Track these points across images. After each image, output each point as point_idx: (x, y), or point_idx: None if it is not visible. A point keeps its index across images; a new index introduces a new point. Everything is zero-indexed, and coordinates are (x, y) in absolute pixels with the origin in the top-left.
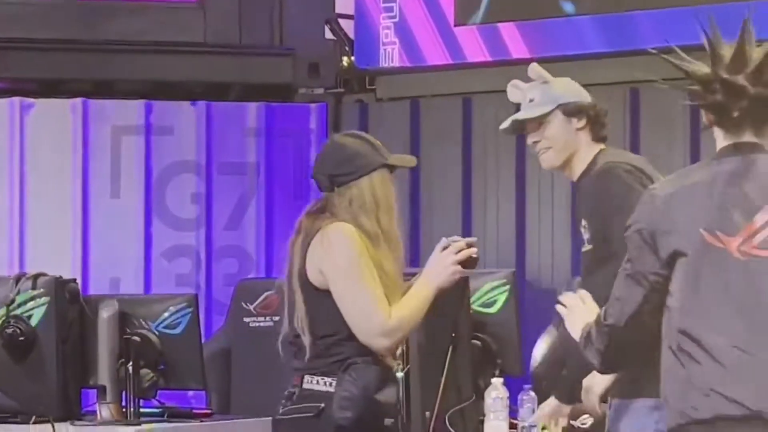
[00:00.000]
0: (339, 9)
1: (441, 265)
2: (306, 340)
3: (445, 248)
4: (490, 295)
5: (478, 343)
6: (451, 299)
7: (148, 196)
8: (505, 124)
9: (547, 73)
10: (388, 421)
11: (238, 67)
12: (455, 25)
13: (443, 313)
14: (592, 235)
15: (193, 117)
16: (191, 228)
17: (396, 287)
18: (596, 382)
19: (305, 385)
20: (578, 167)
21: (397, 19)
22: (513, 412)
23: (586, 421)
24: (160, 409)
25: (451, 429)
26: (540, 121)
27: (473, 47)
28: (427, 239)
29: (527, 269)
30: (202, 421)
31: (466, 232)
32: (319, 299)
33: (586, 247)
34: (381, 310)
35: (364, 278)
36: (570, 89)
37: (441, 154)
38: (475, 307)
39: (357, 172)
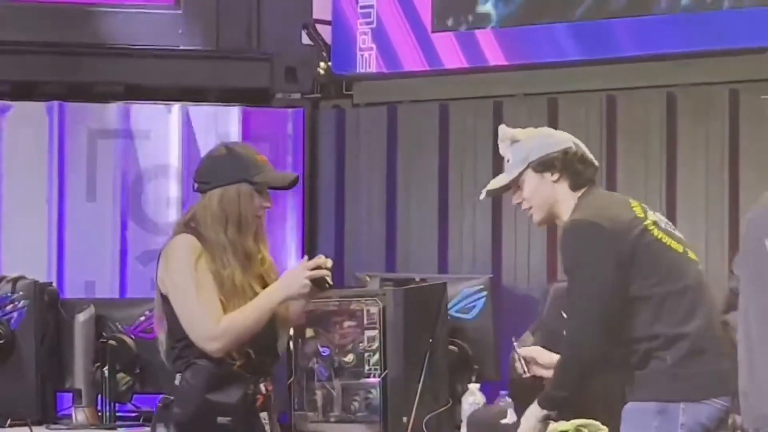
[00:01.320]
0: (316, 14)
1: (293, 277)
2: (164, 343)
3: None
4: (468, 301)
5: (455, 348)
6: (429, 304)
7: (124, 199)
8: (482, 195)
9: (517, 132)
10: (222, 420)
11: (215, 72)
12: (432, 32)
13: (421, 319)
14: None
15: (169, 121)
16: (167, 232)
17: (240, 296)
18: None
19: (175, 382)
20: (565, 217)
21: (374, 25)
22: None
23: None
24: (136, 413)
25: None
26: (517, 183)
27: (450, 54)
28: (403, 245)
29: (503, 275)
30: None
31: (443, 237)
32: (168, 306)
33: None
34: (208, 316)
35: (194, 287)
36: (540, 143)
37: (418, 160)
38: (452, 312)
39: (212, 183)
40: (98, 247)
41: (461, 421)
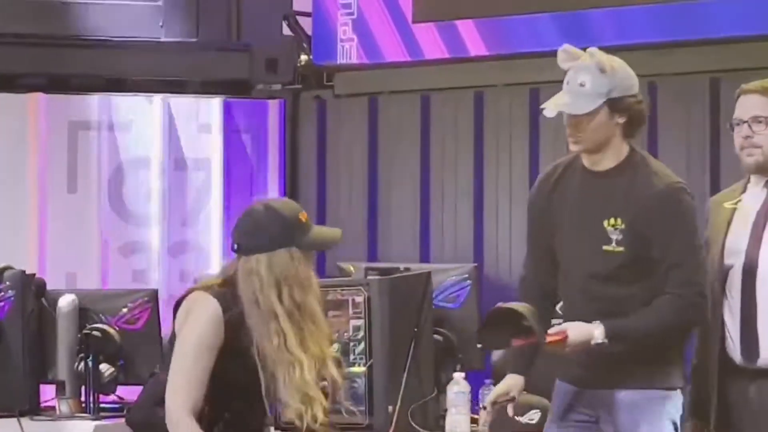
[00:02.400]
0: (297, 5)
1: None
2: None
3: None
4: (452, 290)
5: (440, 338)
6: (413, 294)
7: (105, 191)
8: (550, 113)
9: (606, 60)
10: None
11: (195, 63)
12: (413, 22)
13: (405, 309)
14: (629, 240)
15: (150, 112)
16: (148, 224)
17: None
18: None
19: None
20: (609, 160)
21: (355, 16)
22: (475, 407)
23: (534, 417)
24: (120, 404)
25: (413, 423)
26: (578, 118)
27: (431, 44)
28: (384, 235)
29: (485, 264)
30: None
31: (424, 227)
32: None
33: (614, 248)
34: (183, 397)
35: (186, 361)
36: (622, 81)
37: (399, 150)
38: (436, 302)
39: (257, 249)
40: (79, 238)
41: (446, 410)
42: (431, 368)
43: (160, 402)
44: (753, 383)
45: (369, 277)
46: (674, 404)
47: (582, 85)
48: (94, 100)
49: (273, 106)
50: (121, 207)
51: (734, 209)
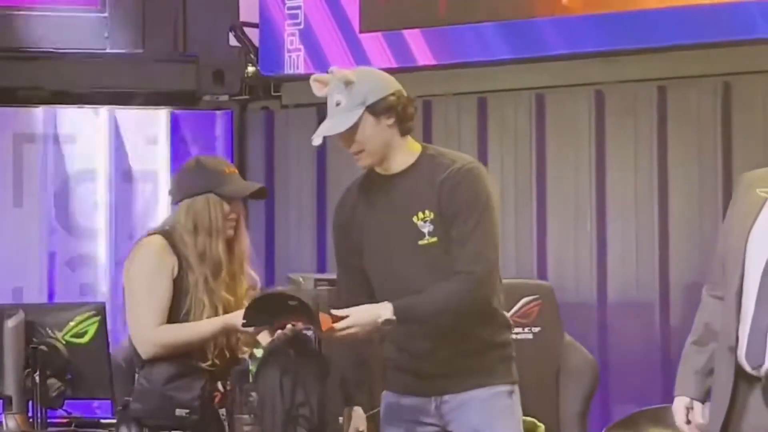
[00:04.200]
0: (243, 16)
1: (237, 314)
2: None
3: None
4: None
5: None
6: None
7: (51, 204)
8: (318, 140)
9: (349, 73)
10: (180, 412)
11: (141, 74)
12: (361, 32)
13: None
14: (440, 227)
15: (96, 124)
16: (95, 237)
17: (203, 305)
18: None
19: (135, 381)
20: (398, 161)
21: (302, 26)
22: None
23: None
24: (68, 419)
25: None
26: (347, 133)
27: (379, 54)
28: (333, 245)
29: None
30: (111, 431)
31: None
32: None
33: (429, 240)
34: (150, 320)
35: (145, 289)
36: (375, 85)
37: (347, 160)
38: None
39: (181, 194)
40: (25, 252)
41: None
42: (381, 379)
43: (168, 380)
44: (756, 390)
45: (319, 288)
46: (517, 398)
47: (338, 104)
48: (39, 112)
49: (220, 118)
50: (68, 220)
51: (766, 198)
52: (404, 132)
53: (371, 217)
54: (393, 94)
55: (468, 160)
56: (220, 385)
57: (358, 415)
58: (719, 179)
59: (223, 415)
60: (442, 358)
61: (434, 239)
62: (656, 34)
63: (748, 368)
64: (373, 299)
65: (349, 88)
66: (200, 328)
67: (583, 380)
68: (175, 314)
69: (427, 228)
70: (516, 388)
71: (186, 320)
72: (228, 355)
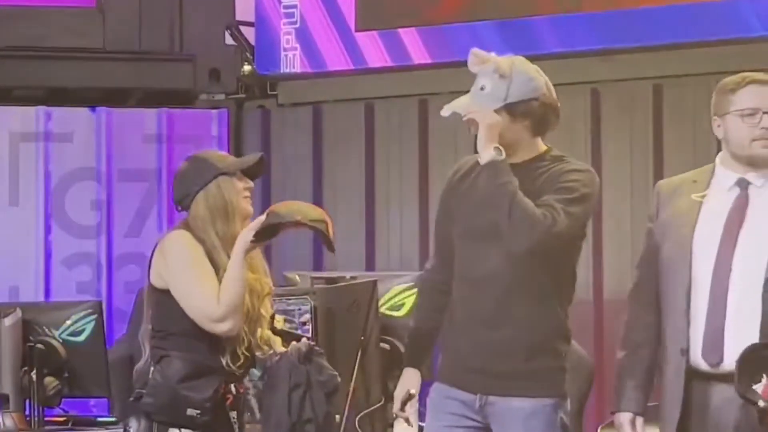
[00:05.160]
0: (239, 15)
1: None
2: (148, 335)
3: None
4: (398, 298)
5: (387, 346)
6: (360, 302)
7: (47, 203)
8: (446, 112)
9: (507, 66)
10: (191, 412)
11: (137, 73)
12: (356, 31)
13: (352, 317)
14: None
15: (92, 123)
16: (92, 235)
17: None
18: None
19: (149, 376)
20: (519, 155)
21: (298, 25)
22: (422, 415)
23: None
24: (65, 418)
25: None
26: (474, 119)
27: (375, 53)
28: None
29: None
30: (108, 429)
31: (369, 234)
32: (158, 299)
33: None
34: (209, 300)
35: (194, 275)
36: (524, 86)
37: (344, 159)
38: (383, 310)
39: (192, 192)
40: (22, 251)
41: (394, 418)
42: (378, 376)
43: (183, 379)
44: (714, 388)
45: (315, 286)
46: (565, 411)
47: (482, 88)
48: (36, 111)
49: (216, 116)
50: (65, 219)
51: (701, 202)
52: (536, 133)
53: (473, 196)
54: (536, 99)
55: (584, 165)
56: (233, 388)
57: (414, 377)
58: None
59: (233, 418)
60: (500, 351)
61: None
62: (652, 33)
63: (704, 367)
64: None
65: (500, 81)
66: (232, 273)
67: (579, 379)
68: None
69: None
70: (565, 403)
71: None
72: (246, 355)
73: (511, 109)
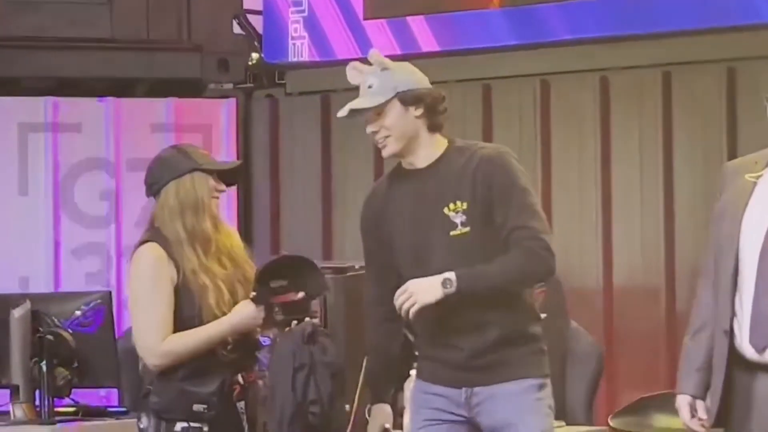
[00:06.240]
0: (247, 4)
1: (247, 311)
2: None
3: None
4: None
5: None
6: None
7: (56, 193)
8: (343, 113)
9: (387, 60)
10: (198, 407)
11: (146, 63)
12: (364, 19)
13: (362, 307)
14: (473, 217)
15: (101, 113)
16: (101, 225)
17: (202, 288)
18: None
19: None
20: (425, 154)
21: (305, 14)
22: None
23: None
24: (75, 408)
25: None
26: (378, 111)
27: (382, 41)
28: (339, 233)
29: None
30: (118, 419)
31: None
32: None
33: (461, 231)
34: (154, 331)
35: (148, 300)
36: (409, 77)
37: (352, 148)
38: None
39: (165, 178)
40: (31, 241)
41: (404, 407)
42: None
43: (186, 376)
44: (760, 378)
45: (325, 276)
46: (548, 391)
47: (370, 86)
48: (44, 101)
49: (225, 106)
50: (74, 209)
51: (755, 183)
52: (432, 128)
53: (401, 210)
54: (425, 89)
55: (495, 145)
56: (240, 378)
57: (385, 412)
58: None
59: (241, 408)
60: (474, 350)
61: (466, 230)
62: (661, 19)
63: (750, 353)
64: None
65: (384, 73)
66: (207, 332)
67: (590, 366)
68: (186, 314)
69: (459, 218)
70: (547, 381)
71: (199, 314)
72: (246, 343)
73: (402, 98)
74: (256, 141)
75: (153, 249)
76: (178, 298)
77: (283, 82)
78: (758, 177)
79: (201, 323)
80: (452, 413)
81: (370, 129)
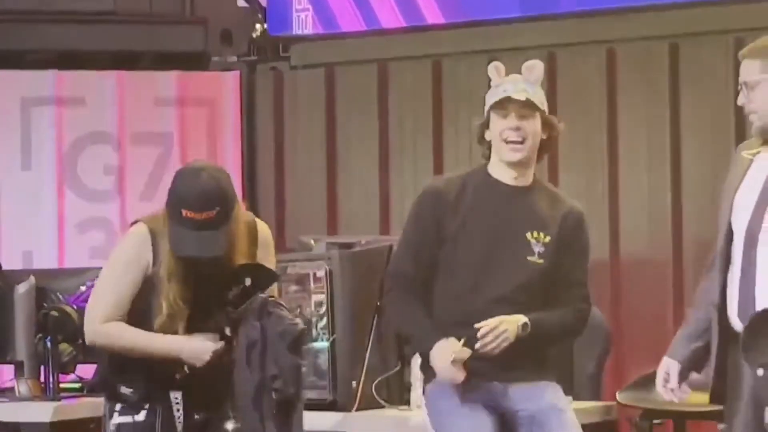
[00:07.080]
0: None
1: (201, 349)
2: None
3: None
4: None
5: None
6: (375, 267)
7: (60, 167)
8: (520, 96)
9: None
10: (125, 390)
11: (149, 36)
12: None
13: (368, 283)
14: (549, 254)
15: (104, 87)
16: (105, 200)
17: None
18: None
19: None
20: (528, 176)
21: None
22: None
23: None
24: (80, 384)
25: (378, 398)
26: (530, 114)
27: (388, 13)
28: (344, 205)
29: None
30: None
31: (384, 197)
32: None
33: (536, 260)
34: (101, 311)
35: (109, 282)
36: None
37: (357, 121)
38: None
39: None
40: (35, 216)
41: (410, 384)
42: (394, 342)
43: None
44: None
45: (331, 251)
46: None
47: (525, 90)
48: (47, 75)
49: (229, 79)
50: (77, 183)
51: (751, 160)
52: (540, 157)
53: (480, 217)
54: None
55: (577, 204)
56: (185, 367)
57: (451, 342)
58: (732, 136)
59: (176, 398)
60: (512, 350)
61: (541, 261)
62: None
63: (739, 327)
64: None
65: (537, 88)
66: (150, 341)
67: (597, 341)
68: (140, 306)
69: (538, 248)
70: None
71: (150, 309)
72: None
73: (544, 117)
74: (260, 114)
75: (141, 231)
76: (144, 285)
77: (287, 54)
78: (755, 154)
79: (150, 318)
80: (488, 405)
81: (516, 124)
